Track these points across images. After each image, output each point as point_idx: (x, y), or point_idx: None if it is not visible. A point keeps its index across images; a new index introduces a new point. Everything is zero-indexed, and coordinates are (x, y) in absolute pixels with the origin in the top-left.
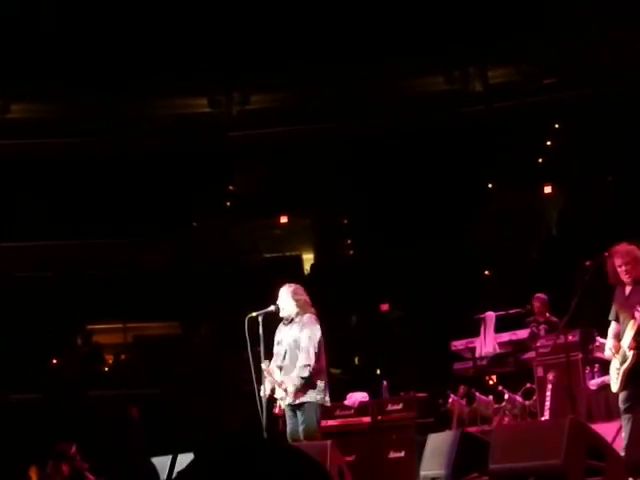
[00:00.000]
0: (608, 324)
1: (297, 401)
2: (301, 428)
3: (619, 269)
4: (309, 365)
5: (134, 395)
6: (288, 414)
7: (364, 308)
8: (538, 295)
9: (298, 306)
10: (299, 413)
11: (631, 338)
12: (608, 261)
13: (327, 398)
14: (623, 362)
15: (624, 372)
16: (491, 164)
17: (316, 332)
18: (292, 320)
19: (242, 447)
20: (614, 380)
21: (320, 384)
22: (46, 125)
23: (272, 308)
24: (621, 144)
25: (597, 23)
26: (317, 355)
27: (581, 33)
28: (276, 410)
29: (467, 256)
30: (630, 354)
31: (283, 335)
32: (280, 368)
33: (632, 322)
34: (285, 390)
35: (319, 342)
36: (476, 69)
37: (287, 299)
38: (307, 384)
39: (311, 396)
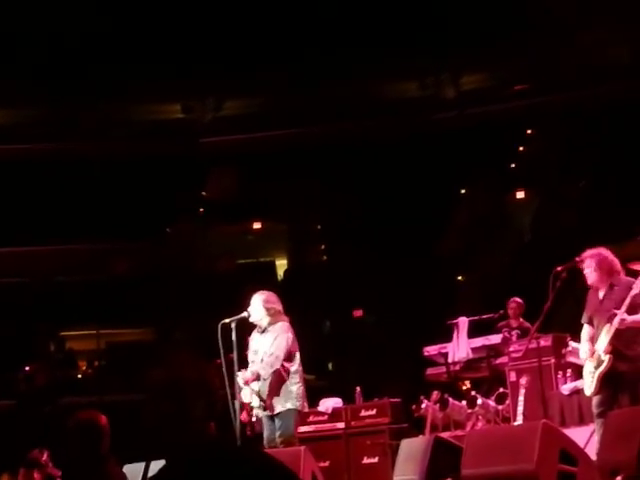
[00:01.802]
0: (581, 328)
1: (275, 411)
2: (278, 434)
3: (585, 273)
4: (275, 368)
5: (107, 402)
6: (265, 421)
7: (337, 314)
8: (514, 298)
9: (269, 315)
10: (276, 420)
11: (607, 342)
12: (581, 265)
13: (305, 404)
14: (598, 366)
15: (599, 376)
16: (464, 169)
17: (287, 339)
18: (265, 329)
19: (214, 453)
20: (588, 384)
21: (296, 391)
22: (17, 131)
23: (245, 314)
24: (593, 149)
25: (568, 29)
26: (285, 359)
27: (552, 39)
28: (243, 416)
29: (440, 261)
30: (606, 358)
31: (259, 344)
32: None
33: (608, 326)
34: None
35: (288, 349)
36: (449, 75)
37: (258, 307)
38: (276, 390)
39: (291, 403)
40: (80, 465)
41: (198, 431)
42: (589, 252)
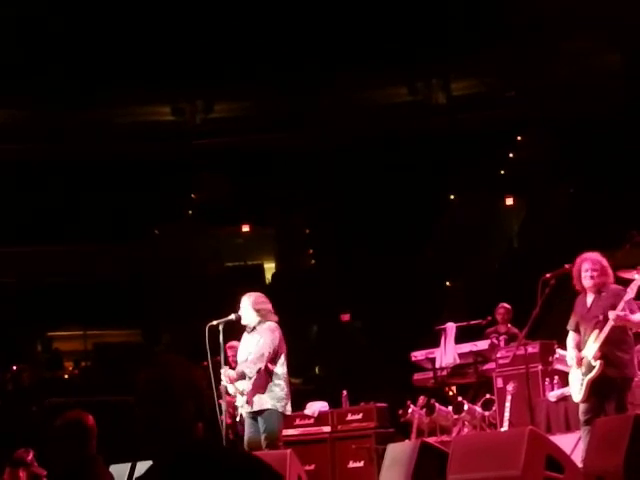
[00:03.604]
0: (567, 334)
1: (257, 408)
2: (263, 436)
3: (584, 273)
4: (259, 366)
5: (94, 402)
6: (248, 421)
7: (325, 318)
8: (503, 304)
9: (259, 315)
10: (260, 420)
11: (596, 348)
12: (574, 268)
13: (288, 407)
14: (588, 372)
15: (589, 382)
16: (453, 175)
17: (274, 339)
18: (254, 329)
19: (202, 454)
20: (577, 390)
21: (280, 392)
22: (7, 131)
23: (233, 317)
24: (582, 156)
25: (557, 37)
26: (270, 359)
27: (543, 46)
28: (223, 417)
29: (428, 267)
30: (597, 364)
31: (246, 344)
32: (243, 376)
33: (596, 332)
34: (244, 394)
35: (274, 348)
36: (439, 81)
37: (248, 308)
38: (260, 388)
39: (272, 403)
40: (67, 465)
41: (186, 432)
42: (591, 255)
